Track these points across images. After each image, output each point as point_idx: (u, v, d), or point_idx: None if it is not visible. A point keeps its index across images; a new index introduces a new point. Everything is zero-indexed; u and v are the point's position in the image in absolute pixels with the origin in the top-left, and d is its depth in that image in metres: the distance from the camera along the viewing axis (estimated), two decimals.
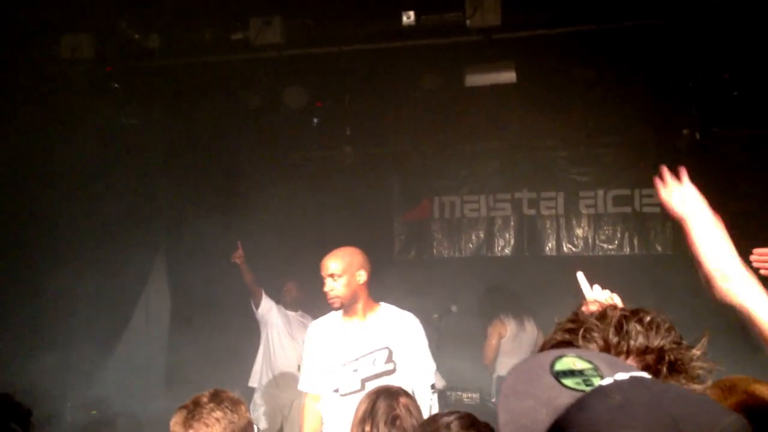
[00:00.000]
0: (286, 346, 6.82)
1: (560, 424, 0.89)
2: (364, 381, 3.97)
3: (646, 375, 0.99)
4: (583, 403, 0.90)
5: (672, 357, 1.32)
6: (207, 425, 2.44)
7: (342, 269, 4.03)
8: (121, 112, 6.62)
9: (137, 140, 6.91)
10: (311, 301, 6.30)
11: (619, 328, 1.34)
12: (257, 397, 6.89)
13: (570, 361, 0.98)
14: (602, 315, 1.38)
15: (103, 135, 6.70)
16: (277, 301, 6.93)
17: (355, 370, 4.00)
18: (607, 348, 1.32)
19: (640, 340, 1.33)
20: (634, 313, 1.37)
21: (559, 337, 1.37)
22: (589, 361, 0.98)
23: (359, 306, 4.11)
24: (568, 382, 0.94)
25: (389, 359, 4.01)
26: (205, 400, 2.51)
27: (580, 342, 1.33)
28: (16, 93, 6.07)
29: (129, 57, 6.01)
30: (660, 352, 1.33)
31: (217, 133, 7.26)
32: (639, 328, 1.34)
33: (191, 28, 5.96)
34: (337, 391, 4.05)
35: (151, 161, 7.19)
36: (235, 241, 6.69)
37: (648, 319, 1.36)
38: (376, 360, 4.00)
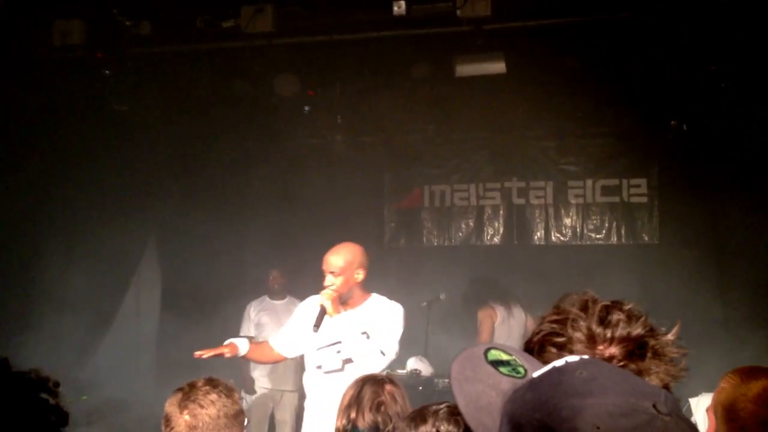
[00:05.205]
0: None
1: (534, 399, 1.00)
2: (345, 362, 4.17)
3: (585, 357, 1.15)
4: (552, 378, 1.03)
5: (652, 343, 1.41)
6: (202, 406, 2.51)
7: (343, 268, 4.19)
8: (112, 98, 6.63)
9: (128, 127, 6.93)
10: (300, 286, 6.33)
11: (602, 319, 1.42)
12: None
13: (497, 353, 1.14)
14: (584, 307, 1.45)
15: (94, 121, 6.71)
16: (265, 292, 7.03)
17: (338, 352, 4.18)
18: (592, 337, 1.40)
19: (622, 328, 1.41)
20: (614, 305, 1.46)
21: (547, 328, 1.44)
22: (510, 354, 1.15)
23: (350, 299, 4.28)
24: (503, 369, 1.10)
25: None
26: (200, 383, 2.58)
27: (569, 331, 1.40)
28: (6, 79, 6.07)
29: (120, 44, 6.02)
30: (641, 339, 1.40)
31: (208, 120, 7.28)
32: (620, 317, 1.42)
33: (183, 15, 5.97)
34: (320, 367, 4.24)
35: (141, 148, 7.19)
36: (225, 230, 6.71)
37: (627, 308, 1.44)
38: (357, 343, 4.17)
